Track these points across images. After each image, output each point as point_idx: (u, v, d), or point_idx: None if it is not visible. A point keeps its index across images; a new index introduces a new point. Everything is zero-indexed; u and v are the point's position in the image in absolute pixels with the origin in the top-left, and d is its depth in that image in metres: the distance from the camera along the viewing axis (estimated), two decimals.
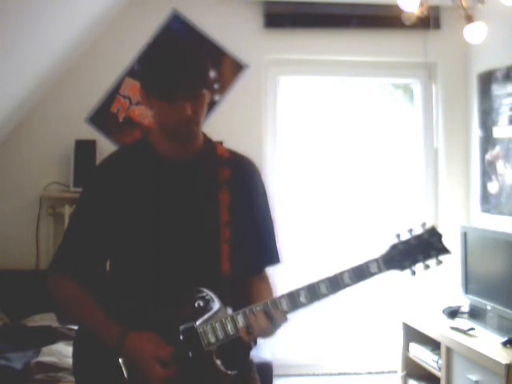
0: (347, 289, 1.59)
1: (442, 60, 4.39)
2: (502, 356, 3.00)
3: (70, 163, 3.99)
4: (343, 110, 4.53)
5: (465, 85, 4.35)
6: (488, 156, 4.06)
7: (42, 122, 4.09)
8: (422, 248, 1.58)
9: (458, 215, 4.30)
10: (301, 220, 4.38)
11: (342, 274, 1.59)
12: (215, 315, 1.64)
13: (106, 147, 4.08)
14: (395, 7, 3.28)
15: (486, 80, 4.07)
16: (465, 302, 3.74)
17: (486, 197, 4.10)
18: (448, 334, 3.43)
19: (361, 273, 1.58)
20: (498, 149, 3.96)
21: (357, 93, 4.57)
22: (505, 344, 3.14)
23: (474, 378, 3.16)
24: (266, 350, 3.42)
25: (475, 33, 3.27)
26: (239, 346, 1.67)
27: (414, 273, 1.59)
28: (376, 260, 1.58)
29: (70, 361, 2.86)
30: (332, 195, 4.49)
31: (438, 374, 3.52)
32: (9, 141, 4.04)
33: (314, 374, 4.28)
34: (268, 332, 1.62)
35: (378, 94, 4.64)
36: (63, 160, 4.06)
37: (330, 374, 4.28)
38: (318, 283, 1.59)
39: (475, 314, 3.63)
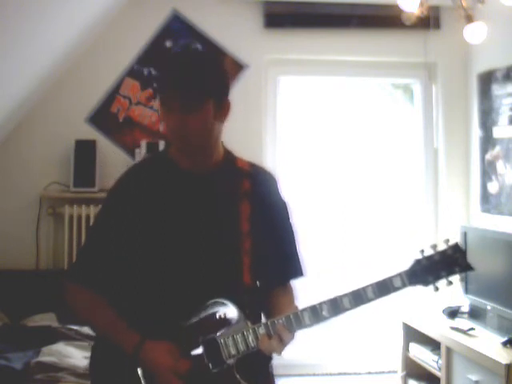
0: (370, 303, 1.60)
1: (442, 60, 4.39)
2: (502, 356, 3.00)
3: (70, 163, 4.00)
4: (343, 110, 4.53)
5: (465, 85, 4.35)
6: (488, 156, 4.06)
7: (42, 122, 4.09)
8: (445, 264, 1.61)
9: (457, 215, 4.30)
10: (301, 220, 4.38)
11: (365, 288, 1.60)
12: (236, 327, 1.63)
13: (106, 147, 4.09)
14: (395, 7, 3.28)
15: (486, 80, 4.07)
16: (465, 302, 3.74)
17: (486, 197, 4.09)
18: (448, 334, 3.43)
19: (384, 287, 1.60)
20: (497, 149, 3.96)
21: (357, 93, 4.57)
22: (505, 344, 3.14)
23: (474, 378, 3.16)
24: None
25: (475, 33, 3.27)
26: (259, 359, 1.66)
27: (437, 289, 1.62)
28: (400, 275, 1.61)
29: (70, 361, 2.90)
30: (332, 196, 4.49)
31: (438, 374, 3.52)
32: (9, 141, 4.04)
33: (313, 374, 4.28)
34: (285, 346, 1.61)
35: (378, 93, 4.64)
36: (63, 160, 4.06)
37: (330, 374, 4.28)
38: (341, 297, 1.60)
39: (475, 313, 3.63)
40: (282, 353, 1.62)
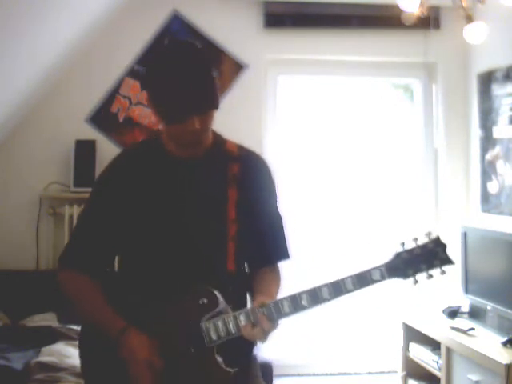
0: (349, 294, 1.60)
1: (442, 60, 4.39)
2: (502, 356, 3.00)
3: (70, 163, 4.00)
4: (343, 111, 4.53)
5: (465, 85, 4.36)
6: (488, 156, 4.06)
7: (42, 121, 4.09)
8: (425, 258, 1.61)
9: (457, 215, 4.30)
10: (300, 218, 4.38)
11: (345, 279, 1.60)
12: (218, 313, 1.65)
13: (106, 147, 4.09)
14: (395, 7, 3.28)
15: (486, 80, 4.07)
16: (465, 302, 3.74)
17: (486, 197, 4.09)
18: (448, 334, 3.43)
19: (363, 280, 1.61)
20: (498, 149, 3.96)
21: (357, 93, 4.57)
22: (505, 344, 3.14)
23: (474, 378, 3.16)
24: (266, 349, 3.42)
25: (475, 33, 3.27)
26: (241, 344, 1.67)
27: (416, 282, 1.62)
28: (379, 268, 1.61)
29: (70, 361, 2.90)
30: (332, 196, 4.49)
31: (437, 374, 3.52)
32: (9, 141, 4.04)
33: (314, 374, 4.28)
34: (266, 334, 1.62)
35: (378, 93, 4.64)
36: (63, 160, 4.06)
37: (330, 374, 4.28)
38: (320, 288, 1.60)
39: (475, 313, 3.63)
40: (266, 340, 1.63)
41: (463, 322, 3.59)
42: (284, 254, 1.86)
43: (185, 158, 1.77)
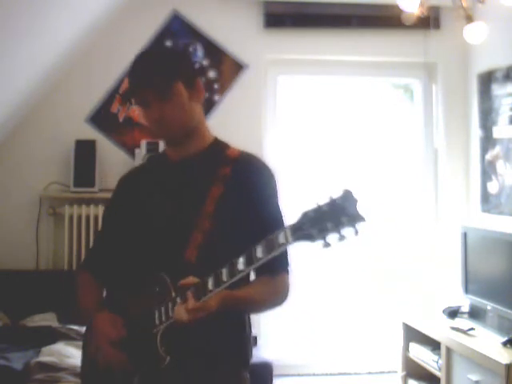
0: (260, 262, 1.49)
1: (442, 60, 4.39)
2: (502, 356, 3.00)
3: (70, 163, 4.00)
4: (343, 110, 4.53)
5: (465, 85, 4.35)
6: (488, 156, 4.06)
7: (42, 122, 4.09)
8: (332, 215, 1.38)
9: (457, 215, 4.30)
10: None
11: (256, 247, 1.50)
12: (164, 299, 1.66)
13: (106, 147, 4.09)
14: (395, 7, 3.28)
15: (486, 80, 4.07)
16: (465, 302, 3.74)
17: (486, 197, 4.09)
18: (448, 334, 3.42)
19: (270, 245, 1.46)
20: (498, 149, 3.96)
21: (357, 93, 4.57)
22: (505, 344, 3.14)
23: (474, 378, 3.16)
24: (265, 350, 3.43)
25: (475, 33, 3.28)
26: (182, 331, 1.63)
27: (327, 245, 1.38)
28: (284, 230, 1.44)
29: (70, 361, 2.90)
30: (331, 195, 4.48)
31: (437, 374, 3.51)
32: (9, 141, 4.04)
33: (313, 374, 4.28)
34: (190, 313, 1.56)
35: (378, 93, 4.63)
36: (63, 160, 4.06)
37: (330, 374, 4.28)
38: (236, 261, 1.52)
39: (475, 313, 3.63)
40: (188, 320, 1.56)
41: (463, 322, 3.59)
42: (279, 265, 1.73)
43: (178, 161, 1.82)
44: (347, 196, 1.39)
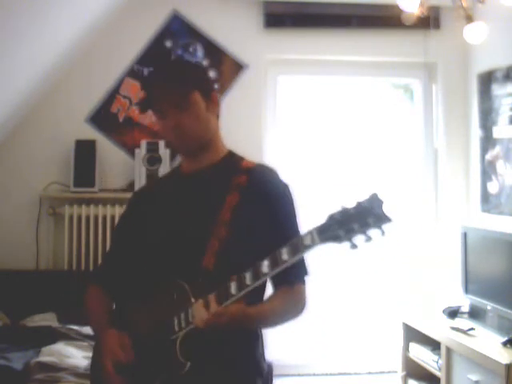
0: (285, 265, 1.50)
1: (442, 60, 4.39)
2: (502, 356, 3.00)
3: (70, 163, 3.99)
4: (343, 110, 4.53)
5: (465, 85, 4.35)
6: (488, 156, 4.06)
7: (42, 122, 4.09)
8: (358, 216, 1.41)
9: (457, 215, 4.30)
10: (300, 218, 4.38)
11: (281, 250, 1.51)
12: (182, 306, 1.65)
13: (106, 147, 4.09)
14: (395, 7, 3.28)
15: (486, 80, 4.07)
16: (465, 302, 3.74)
17: (486, 197, 4.09)
18: (448, 334, 3.43)
19: (295, 247, 1.48)
20: (497, 149, 3.96)
21: (357, 93, 4.57)
22: (505, 344, 3.14)
23: (474, 378, 3.16)
24: (266, 350, 3.42)
25: (475, 33, 3.28)
26: (201, 337, 1.64)
27: (354, 246, 1.41)
28: (310, 231, 1.46)
29: (70, 361, 2.90)
30: (332, 196, 4.48)
31: (437, 374, 3.52)
32: (9, 141, 4.04)
33: (313, 374, 4.28)
34: (214, 318, 1.57)
35: (378, 94, 4.63)
36: (63, 160, 4.06)
37: (330, 374, 4.28)
38: (260, 264, 1.53)
39: (475, 313, 3.63)
40: (204, 324, 1.56)
41: (463, 322, 3.59)
42: (296, 276, 1.75)
43: (192, 172, 1.83)
44: (373, 198, 1.42)
